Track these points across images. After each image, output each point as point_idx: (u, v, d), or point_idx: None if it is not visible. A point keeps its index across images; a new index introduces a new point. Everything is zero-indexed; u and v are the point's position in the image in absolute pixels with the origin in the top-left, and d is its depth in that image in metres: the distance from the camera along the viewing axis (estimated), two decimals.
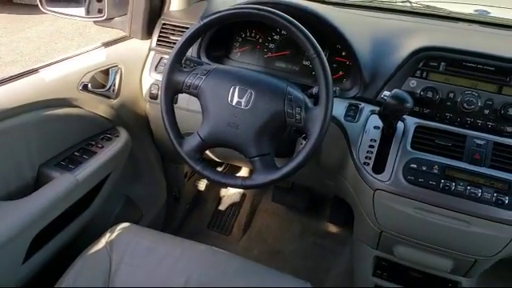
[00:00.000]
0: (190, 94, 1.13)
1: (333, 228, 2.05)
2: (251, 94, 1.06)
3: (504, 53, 1.15)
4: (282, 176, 1.06)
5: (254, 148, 1.08)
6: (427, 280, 1.39)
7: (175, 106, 1.17)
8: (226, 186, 1.65)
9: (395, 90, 1.04)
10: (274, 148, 1.12)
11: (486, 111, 1.13)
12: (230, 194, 2.23)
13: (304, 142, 1.04)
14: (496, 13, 1.58)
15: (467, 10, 1.57)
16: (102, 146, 1.38)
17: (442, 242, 1.18)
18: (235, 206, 2.19)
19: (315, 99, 1.08)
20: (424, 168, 1.09)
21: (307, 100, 1.07)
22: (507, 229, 1.05)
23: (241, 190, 2.23)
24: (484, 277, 1.65)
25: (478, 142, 1.10)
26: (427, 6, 1.62)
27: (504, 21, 1.48)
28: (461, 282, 1.36)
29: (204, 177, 1.15)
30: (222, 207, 2.20)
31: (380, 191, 1.15)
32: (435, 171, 1.08)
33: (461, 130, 1.13)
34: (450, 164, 1.08)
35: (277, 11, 1.03)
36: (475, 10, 1.59)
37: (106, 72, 1.42)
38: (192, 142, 1.13)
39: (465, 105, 1.14)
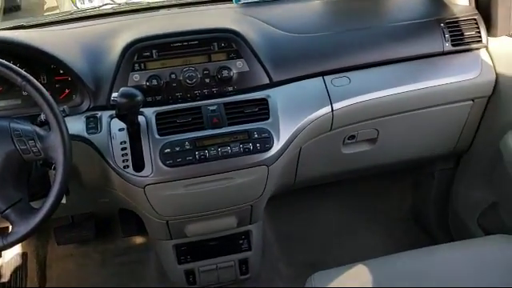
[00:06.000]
0: None
1: (130, 241, 2.01)
2: None
3: (200, 26, 1.29)
4: (44, 216, 0.98)
5: (0, 201, 0.97)
6: (225, 243, 1.51)
7: None
8: None
9: (121, 89, 1.06)
10: (26, 191, 1.03)
11: (207, 80, 1.25)
12: (7, 261, 1.95)
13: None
14: None
15: None
16: None
17: (219, 203, 1.30)
18: (20, 270, 1.93)
19: (49, 126, 1.02)
20: (177, 148, 1.16)
21: (38, 129, 1.01)
22: (260, 169, 1.22)
23: (18, 251, 1.97)
24: (271, 218, 1.89)
25: (212, 108, 1.22)
26: (126, 3, 1.69)
27: None
28: (251, 230, 1.52)
29: None
30: (4, 279, 1.91)
31: (149, 186, 1.17)
32: (187, 147, 1.16)
33: (194, 103, 1.23)
34: (197, 136, 1.18)
35: None
36: None
37: None
38: None
39: (187, 81, 1.23)
